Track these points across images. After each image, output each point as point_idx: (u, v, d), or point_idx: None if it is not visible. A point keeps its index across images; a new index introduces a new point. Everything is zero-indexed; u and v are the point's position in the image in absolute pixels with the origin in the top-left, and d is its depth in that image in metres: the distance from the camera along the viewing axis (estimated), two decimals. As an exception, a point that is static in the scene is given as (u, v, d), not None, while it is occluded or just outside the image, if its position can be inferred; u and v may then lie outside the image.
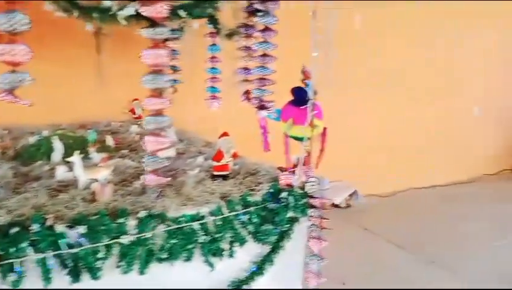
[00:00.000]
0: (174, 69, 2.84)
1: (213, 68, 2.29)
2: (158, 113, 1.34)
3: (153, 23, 1.32)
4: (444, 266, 3.12)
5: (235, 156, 1.74)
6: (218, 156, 1.68)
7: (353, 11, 4.11)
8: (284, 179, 1.60)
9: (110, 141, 2.32)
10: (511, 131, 6.02)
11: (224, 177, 1.68)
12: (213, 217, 1.43)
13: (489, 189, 5.19)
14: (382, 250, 3.40)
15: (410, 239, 3.56)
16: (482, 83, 5.49)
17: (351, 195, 4.38)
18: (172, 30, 2.67)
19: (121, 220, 1.29)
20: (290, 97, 1.67)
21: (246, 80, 1.80)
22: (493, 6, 5.22)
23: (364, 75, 4.40)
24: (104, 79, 2.99)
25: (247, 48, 1.75)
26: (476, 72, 5.38)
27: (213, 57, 2.31)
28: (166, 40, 2.68)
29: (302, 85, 1.62)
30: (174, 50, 2.79)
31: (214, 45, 2.27)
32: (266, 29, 1.57)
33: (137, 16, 1.32)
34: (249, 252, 1.52)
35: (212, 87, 2.30)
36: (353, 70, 4.28)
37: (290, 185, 1.60)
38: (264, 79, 1.63)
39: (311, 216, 1.61)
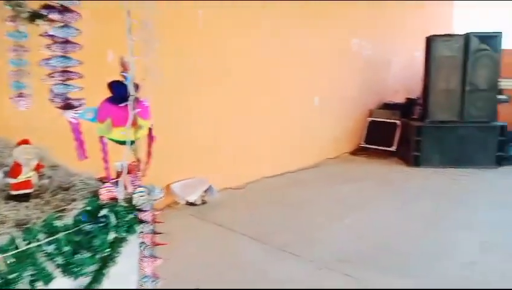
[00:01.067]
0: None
1: (17, 59, 1.85)
2: None
3: None
4: (295, 252, 3.22)
5: (38, 168, 1.39)
6: (15, 170, 1.31)
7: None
8: (105, 193, 1.32)
9: None
10: (347, 117, 6.69)
11: (25, 197, 1.32)
12: (3, 254, 1.09)
13: (332, 171, 5.66)
14: (237, 245, 3.35)
15: (264, 229, 3.60)
16: (320, 75, 5.93)
17: (206, 191, 4.26)
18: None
19: None
20: (108, 93, 1.39)
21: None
22: (328, 7, 5.65)
23: (208, 66, 4.30)
24: None
25: (50, 34, 1.40)
26: (315, 65, 5.78)
27: (17, 46, 1.87)
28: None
29: (122, 79, 1.36)
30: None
31: (17, 30, 1.84)
32: (65, 10, 1.27)
33: None
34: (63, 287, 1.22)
35: (18, 82, 1.86)
36: (193, 62, 4.15)
37: (113, 199, 1.33)
38: (68, 72, 1.32)
39: (141, 233, 1.37)
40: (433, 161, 5.85)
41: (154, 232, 1.39)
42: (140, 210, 1.36)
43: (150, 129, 1.40)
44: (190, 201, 4.11)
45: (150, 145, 1.41)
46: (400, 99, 7.48)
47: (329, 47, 6.01)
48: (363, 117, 7.03)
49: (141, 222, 1.35)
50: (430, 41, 5.75)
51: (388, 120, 6.76)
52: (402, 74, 7.86)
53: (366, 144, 6.86)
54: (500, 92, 7.98)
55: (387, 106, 7.21)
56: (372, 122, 6.95)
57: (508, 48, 5.98)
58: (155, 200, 1.37)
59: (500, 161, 5.83)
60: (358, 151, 6.77)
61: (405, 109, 6.87)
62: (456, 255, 3.17)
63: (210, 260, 3.08)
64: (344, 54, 6.35)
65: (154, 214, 1.37)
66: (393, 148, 6.59)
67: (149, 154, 1.41)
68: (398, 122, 6.63)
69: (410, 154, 5.93)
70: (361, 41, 6.66)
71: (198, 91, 4.22)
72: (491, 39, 5.67)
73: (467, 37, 5.65)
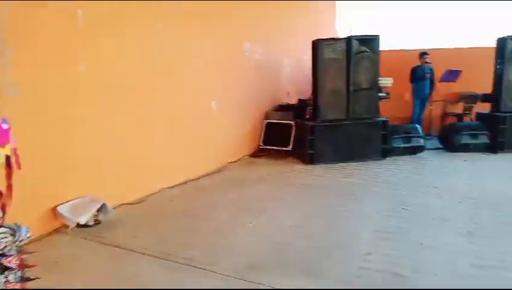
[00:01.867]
0: None
1: None
2: None
3: None
4: (201, 265, 3.08)
5: None
6: None
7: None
8: (-47, 239, 1.06)
9: None
10: (245, 120, 6.74)
11: None
12: None
13: (234, 175, 5.64)
14: (138, 266, 3.10)
15: (166, 245, 3.40)
16: (216, 78, 5.87)
17: (99, 210, 3.89)
18: None
19: None
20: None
21: None
22: (219, 10, 5.61)
23: (90, 73, 3.94)
24: None
25: None
26: (210, 69, 5.71)
27: None
28: None
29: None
30: None
31: None
32: None
33: None
34: None
35: None
36: (73, 70, 3.78)
37: (-36, 246, 1.07)
38: None
39: (6, 282, 1.13)
40: (327, 158, 6.16)
41: (24, 279, 1.16)
42: (3, 255, 1.12)
43: (8, 156, 1.16)
44: (81, 223, 3.72)
45: (9, 176, 1.16)
46: (293, 100, 7.79)
47: (223, 50, 5.99)
48: (260, 119, 7.16)
49: (5, 269, 1.12)
50: (315, 44, 6.04)
51: (283, 121, 6.97)
52: (293, 76, 8.20)
53: (265, 145, 6.99)
54: (381, 89, 8.74)
55: (281, 108, 7.44)
56: (268, 124, 7.10)
57: (385, 48, 6.55)
58: (22, 241, 1.14)
59: (385, 153, 6.37)
60: (257, 153, 6.88)
61: (298, 109, 7.16)
62: (354, 247, 3.32)
63: (108, 288, 2.80)
64: (237, 57, 6.39)
65: (22, 257, 1.14)
66: (289, 148, 6.81)
67: (9, 187, 1.16)
68: (292, 122, 6.87)
69: (306, 153, 6.17)
70: (252, 45, 6.76)
71: (81, 101, 3.85)
72: (370, 42, 6.15)
73: (348, 40, 6.06)
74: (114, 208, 4.02)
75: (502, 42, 6.68)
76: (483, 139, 6.72)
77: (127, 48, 4.30)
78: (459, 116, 8.28)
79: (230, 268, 3.02)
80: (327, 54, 6.04)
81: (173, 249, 3.34)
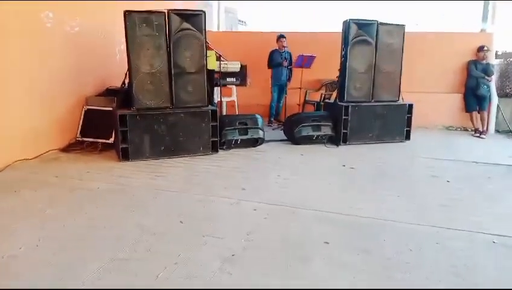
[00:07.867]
0: None
1: None
2: None
3: None
4: None
5: None
6: None
7: None
8: None
9: None
10: (55, 107, 5.56)
11: None
12: None
13: (10, 178, 4.48)
14: None
15: None
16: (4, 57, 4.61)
17: None
18: None
19: None
20: None
21: None
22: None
23: None
24: None
25: None
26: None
27: None
28: None
29: None
30: None
31: None
32: None
33: None
34: None
35: None
36: None
37: None
38: None
39: None
40: (144, 153, 5.26)
41: None
42: None
43: None
44: None
45: None
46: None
47: (7, 21, 4.73)
48: (79, 106, 6.02)
49: None
50: (126, 17, 5.01)
51: (104, 108, 5.91)
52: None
53: (82, 136, 5.89)
54: (241, 75, 7.97)
55: (109, 92, 6.36)
56: (88, 112, 5.99)
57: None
58: None
59: (216, 147, 5.62)
60: (71, 147, 5.75)
61: (126, 94, 6.11)
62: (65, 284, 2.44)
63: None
64: (33, 30, 5.14)
65: None
66: (111, 141, 5.79)
67: None
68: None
69: (119, 147, 5.20)
70: (58, 15, 5.55)
71: None
72: (193, 18, 5.26)
73: (168, 15, 5.13)
74: None
75: (346, 26, 6.23)
76: (327, 131, 6.28)
77: None
78: (317, 105, 7.85)
79: None
80: (141, 29, 5.06)
81: None
